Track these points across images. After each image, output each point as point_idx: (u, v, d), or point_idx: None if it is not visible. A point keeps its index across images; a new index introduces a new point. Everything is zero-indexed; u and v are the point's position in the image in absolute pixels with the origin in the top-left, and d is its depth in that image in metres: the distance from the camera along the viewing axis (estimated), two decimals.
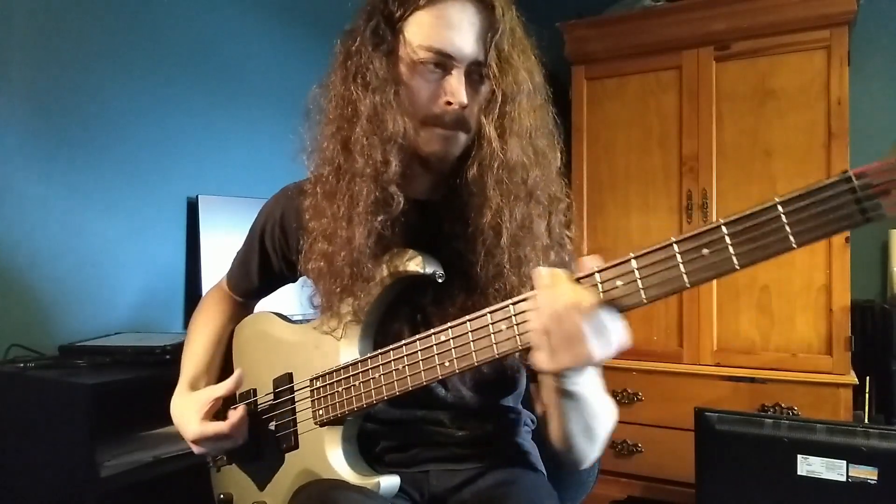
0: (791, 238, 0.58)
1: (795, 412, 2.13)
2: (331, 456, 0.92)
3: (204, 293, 1.69)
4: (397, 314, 0.93)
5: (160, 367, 1.49)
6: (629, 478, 2.39)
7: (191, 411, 1.00)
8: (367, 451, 0.96)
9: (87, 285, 1.77)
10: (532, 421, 1.09)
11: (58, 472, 1.40)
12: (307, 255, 0.92)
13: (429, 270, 0.87)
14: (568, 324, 0.69)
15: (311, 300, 1.00)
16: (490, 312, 0.78)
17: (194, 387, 1.06)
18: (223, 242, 1.99)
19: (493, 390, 0.99)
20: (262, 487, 1.02)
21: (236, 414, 0.98)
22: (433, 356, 0.82)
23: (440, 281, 0.88)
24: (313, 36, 2.47)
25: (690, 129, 2.37)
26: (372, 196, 0.85)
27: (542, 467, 1.04)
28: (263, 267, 1.09)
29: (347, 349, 0.93)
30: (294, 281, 1.12)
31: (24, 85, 1.65)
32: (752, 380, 2.20)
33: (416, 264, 0.87)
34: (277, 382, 1.01)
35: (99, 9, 1.81)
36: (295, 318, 1.09)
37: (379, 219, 0.85)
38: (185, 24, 2.05)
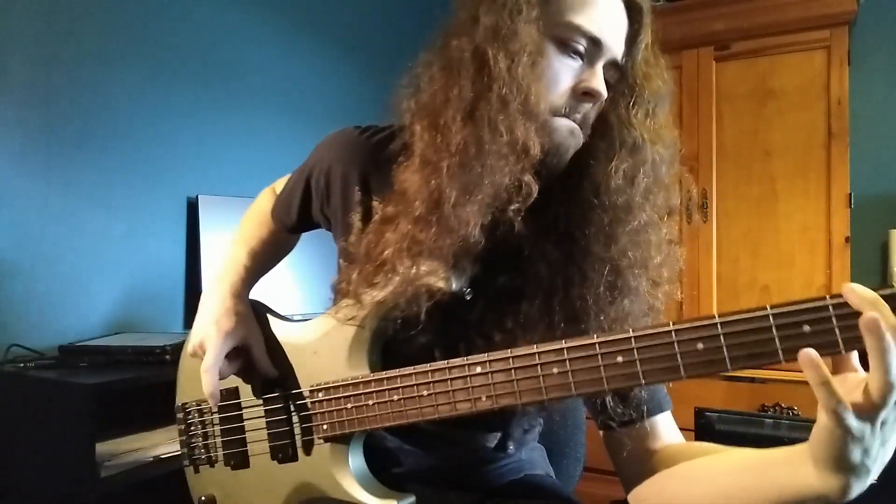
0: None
1: (795, 412, 2.13)
2: (338, 474, 0.86)
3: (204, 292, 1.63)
4: (429, 328, 0.79)
5: (160, 367, 1.49)
6: None
7: (227, 336, 0.90)
8: (381, 466, 0.91)
9: (87, 285, 1.77)
10: (539, 424, 1.08)
11: (58, 472, 1.40)
12: (368, 233, 0.79)
13: (454, 287, 0.78)
14: None
15: (333, 286, 0.88)
16: (539, 353, 0.68)
17: (239, 295, 0.96)
18: (223, 242, 1.99)
19: (514, 413, 0.92)
20: (252, 494, 0.96)
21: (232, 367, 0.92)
22: (468, 388, 0.72)
23: (468, 298, 0.79)
24: (313, 36, 2.48)
25: (690, 129, 2.37)
26: (506, 180, 0.71)
27: (550, 469, 1.04)
28: (304, 205, 1.00)
29: (353, 361, 0.85)
30: (328, 228, 1.02)
31: (24, 85, 1.65)
32: (752, 380, 2.20)
33: (441, 280, 0.77)
34: (267, 385, 0.95)
35: (99, 9, 1.81)
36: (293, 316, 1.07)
37: (513, 208, 0.72)
38: (185, 25, 2.05)
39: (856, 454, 0.54)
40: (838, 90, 2.16)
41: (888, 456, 0.56)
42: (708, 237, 2.27)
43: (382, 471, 0.89)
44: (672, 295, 0.79)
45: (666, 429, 0.82)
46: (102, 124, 1.82)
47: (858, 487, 0.57)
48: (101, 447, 1.41)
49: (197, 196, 1.99)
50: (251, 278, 1.01)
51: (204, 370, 0.88)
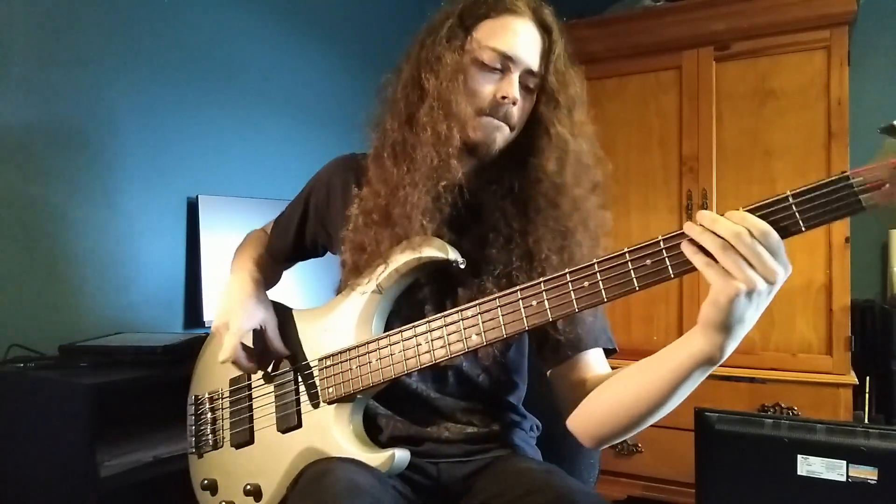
0: (801, 223, 0.68)
1: (795, 412, 2.13)
2: (338, 433, 0.93)
3: (204, 292, 1.69)
4: (425, 285, 0.99)
5: (160, 367, 1.49)
6: (629, 478, 2.39)
7: (250, 317, 1.01)
8: (374, 437, 0.98)
9: (87, 285, 1.77)
10: (536, 427, 1.11)
11: (58, 472, 1.40)
12: (355, 219, 0.98)
13: (451, 257, 0.92)
14: (749, 240, 0.68)
15: (342, 264, 1.03)
16: (521, 289, 0.82)
17: (257, 283, 1.09)
18: (223, 242, 1.99)
19: (500, 385, 1.04)
20: (254, 470, 1.02)
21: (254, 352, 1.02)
22: (459, 331, 0.85)
23: (462, 267, 0.93)
24: (313, 36, 2.48)
25: (690, 129, 2.37)
26: (434, 162, 0.93)
27: None
28: (301, 226, 1.16)
29: (360, 329, 0.95)
30: (321, 254, 1.19)
31: (23, 84, 1.65)
32: (752, 380, 2.20)
33: (438, 250, 0.92)
34: (277, 364, 1.03)
35: (99, 8, 1.81)
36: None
37: (442, 183, 0.94)
38: (185, 25, 2.05)
39: (737, 317, 0.70)
40: (838, 90, 2.16)
41: (754, 322, 0.72)
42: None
43: (373, 440, 0.98)
44: (609, 248, 0.96)
45: (597, 362, 0.98)
46: (102, 124, 1.82)
47: (732, 346, 0.74)
48: (101, 447, 1.41)
49: (197, 196, 1.99)
50: (260, 275, 1.13)
51: (232, 333, 0.99)
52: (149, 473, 1.45)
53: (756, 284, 0.68)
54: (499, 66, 0.95)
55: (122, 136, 1.86)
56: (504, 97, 0.94)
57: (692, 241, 0.71)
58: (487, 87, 0.95)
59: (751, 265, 0.68)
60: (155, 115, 1.95)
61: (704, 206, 2.31)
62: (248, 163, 2.23)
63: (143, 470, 1.46)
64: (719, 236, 0.69)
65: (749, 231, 0.68)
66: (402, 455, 0.91)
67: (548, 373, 1.00)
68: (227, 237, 2.00)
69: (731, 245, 0.68)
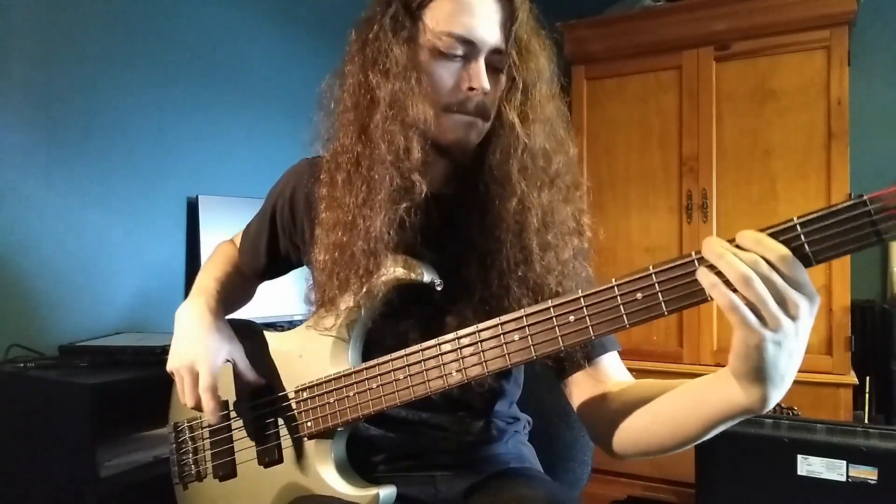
0: (810, 256, 0.60)
1: (795, 412, 2.13)
2: (322, 470, 0.89)
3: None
4: (406, 313, 0.89)
5: (160, 367, 1.47)
6: (629, 478, 2.39)
7: (217, 353, 0.91)
8: (367, 457, 0.94)
9: (87, 285, 1.77)
10: (528, 423, 1.09)
11: (58, 472, 1.40)
12: (316, 247, 0.89)
13: (426, 279, 0.85)
14: (767, 270, 0.59)
15: (307, 297, 0.95)
16: (501, 323, 0.75)
17: (216, 312, 0.98)
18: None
19: (495, 398, 0.98)
20: (239, 498, 0.98)
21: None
22: (440, 366, 0.79)
23: (438, 289, 0.86)
24: (314, 35, 2.48)
25: (690, 129, 2.37)
26: (395, 183, 0.82)
27: (539, 466, 1.04)
28: (271, 246, 1.05)
29: (336, 358, 0.89)
30: (298, 266, 1.08)
31: (24, 84, 1.65)
32: None
33: (412, 272, 0.85)
34: (255, 394, 0.97)
35: (99, 8, 1.81)
36: (278, 321, 1.08)
37: (403, 206, 0.83)
38: (185, 24, 2.05)
39: (770, 365, 0.61)
40: (838, 90, 2.16)
41: (796, 367, 0.63)
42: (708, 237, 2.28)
43: (366, 460, 0.93)
44: (589, 242, 0.90)
45: (613, 368, 0.89)
46: (102, 124, 1.82)
47: (776, 396, 0.64)
48: (101, 447, 1.41)
49: (197, 196, 1.99)
50: (223, 299, 1.02)
51: (203, 390, 0.88)
52: (149, 473, 1.46)
53: (781, 324, 0.59)
54: (460, 52, 0.83)
55: (122, 135, 1.86)
56: (472, 88, 0.83)
57: (710, 268, 0.61)
58: (450, 79, 0.84)
59: (774, 301, 0.58)
60: (155, 115, 1.95)
61: (704, 206, 2.31)
62: (248, 163, 2.23)
63: (143, 470, 1.46)
64: (736, 266, 0.59)
65: (765, 259, 0.59)
66: (387, 492, 0.86)
67: (561, 382, 0.92)
68: (226, 237, 2.00)
69: (753, 277, 0.58)
